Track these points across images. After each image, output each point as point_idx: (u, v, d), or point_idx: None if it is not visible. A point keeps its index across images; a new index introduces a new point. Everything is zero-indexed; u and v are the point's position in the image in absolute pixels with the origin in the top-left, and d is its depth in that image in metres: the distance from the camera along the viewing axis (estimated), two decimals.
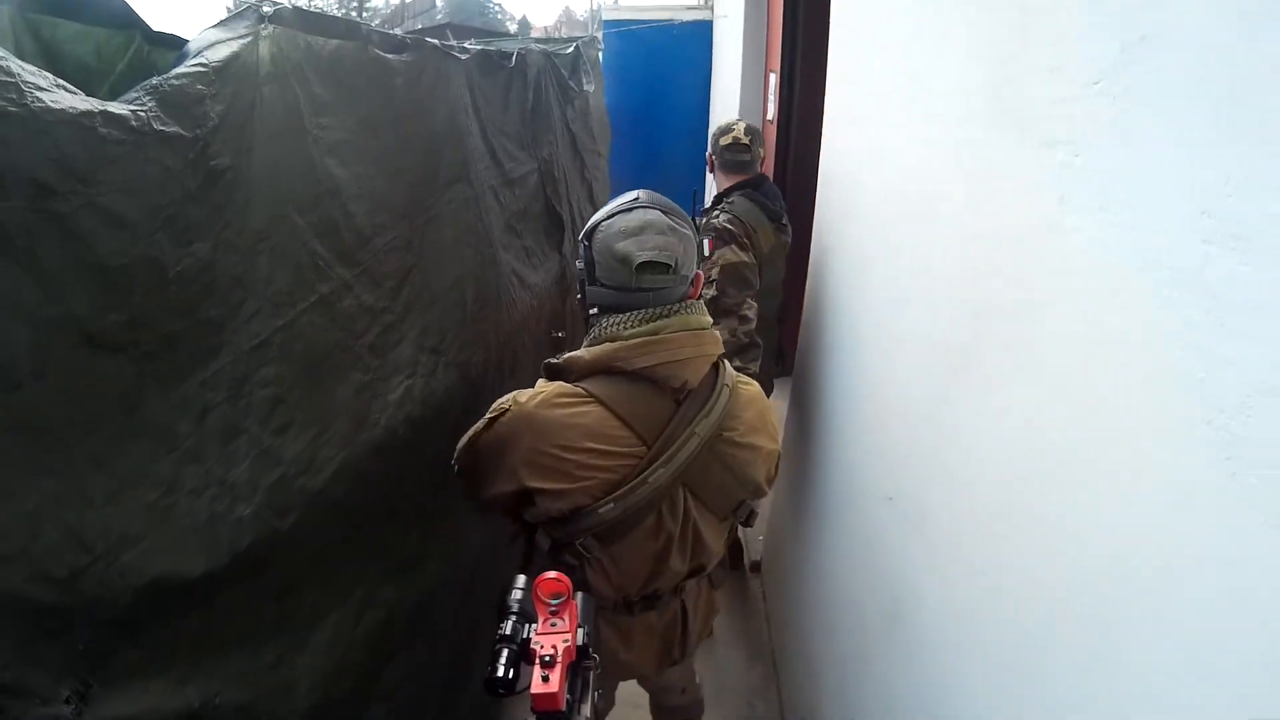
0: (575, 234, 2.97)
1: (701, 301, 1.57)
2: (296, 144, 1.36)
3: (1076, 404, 0.95)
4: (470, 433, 1.51)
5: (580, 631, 0.94)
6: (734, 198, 2.77)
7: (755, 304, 2.67)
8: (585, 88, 4.19)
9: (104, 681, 0.94)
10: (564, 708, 0.74)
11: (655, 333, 1.44)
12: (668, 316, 1.47)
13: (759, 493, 1.61)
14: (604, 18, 7.06)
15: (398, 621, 1.64)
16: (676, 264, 1.46)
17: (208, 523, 1.13)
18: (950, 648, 1.29)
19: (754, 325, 2.64)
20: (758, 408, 1.58)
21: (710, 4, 6.62)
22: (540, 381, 1.51)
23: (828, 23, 2.46)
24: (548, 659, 0.79)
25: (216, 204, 1.13)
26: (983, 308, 1.21)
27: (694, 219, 1.71)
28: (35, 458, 0.88)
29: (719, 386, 1.50)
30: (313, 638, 1.38)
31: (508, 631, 0.94)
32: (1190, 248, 0.73)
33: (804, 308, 2.69)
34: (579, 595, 1.04)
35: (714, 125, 3.59)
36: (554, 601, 0.92)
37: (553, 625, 0.89)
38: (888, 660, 1.58)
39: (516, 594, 0.93)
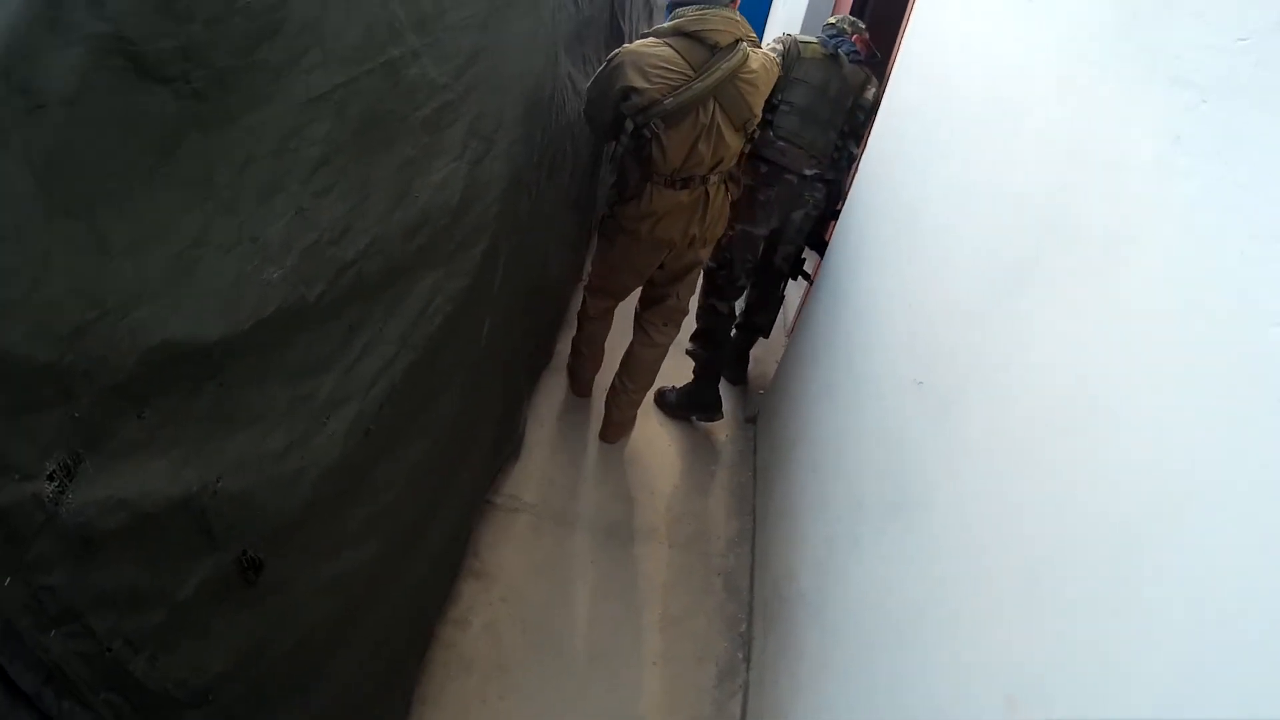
0: None
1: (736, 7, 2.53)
2: None
3: (1143, 342, 0.95)
4: (596, 74, 2.51)
5: None
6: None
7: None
8: None
9: (97, 458, 0.87)
10: None
11: (703, 14, 2.41)
12: (713, 7, 2.43)
13: (755, 117, 2.59)
14: None
15: (406, 416, 1.60)
16: None
17: (233, 283, 1.05)
18: (955, 551, 1.30)
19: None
20: (764, 64, 2.54)
21: None
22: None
23: None
24: None
25: None
26: (1059, 226, 1.23)
27: None
28: (50, 193, 0.78)
29: (739, 48, 2.44)
30: (327, 426, 1.30)
31: None
32: None
33: (848, 194, 2.91)
34: None
35: None
36: None
37: None
38: (882, 546, 1.60)
39: None
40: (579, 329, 3.33)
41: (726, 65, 2.42)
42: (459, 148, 1.69)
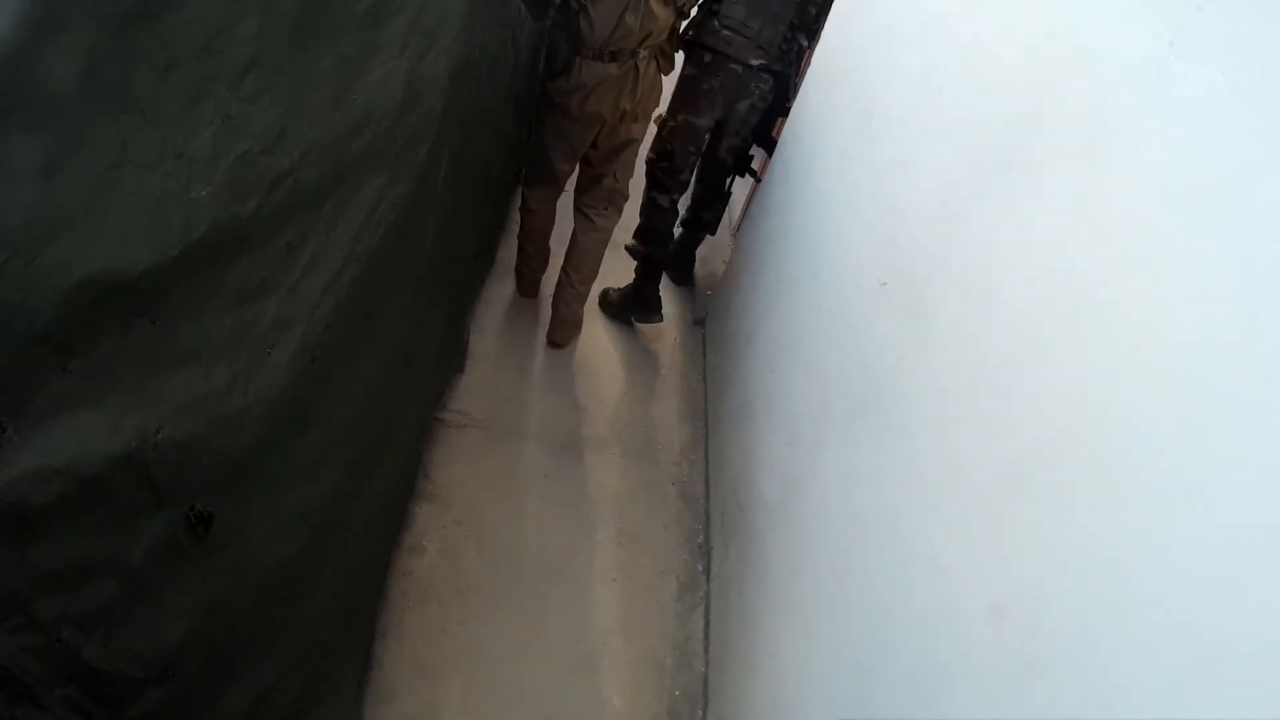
0: None
1: None
2: None
3: (1131, 234, 0.94)
4: None
5: None
6: None
7: None
8: None
9: (22, 424, 0.76)
10: None
11: None
12: None
13: None
14: None
15: (353, 334, 1.49)
16: None
17: (157, 204, 0.93)
18: (929, 447, 1.28)
19: None
20: None
21: None
22: None
23: None
24: None
25: None
26: (1044, 116, 1.20)
27: None
28: None
29: None
30: (272, 355, 1.20)
31: None
32: None
33: (798, 89, 2.86)
34: None
35: None
36: None
37: None
38: (851, 446, 1.58)
39: None
40: (521, 225, 3.25)
41: None
42: (399, 44, 1.56)
